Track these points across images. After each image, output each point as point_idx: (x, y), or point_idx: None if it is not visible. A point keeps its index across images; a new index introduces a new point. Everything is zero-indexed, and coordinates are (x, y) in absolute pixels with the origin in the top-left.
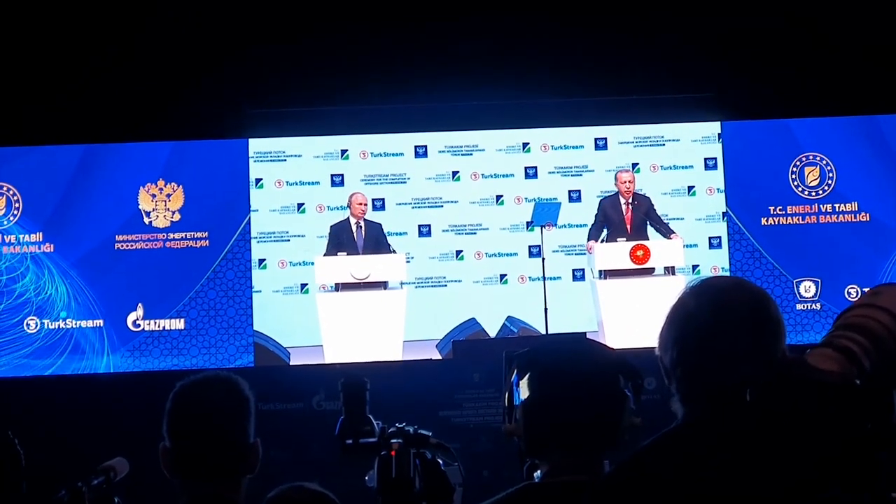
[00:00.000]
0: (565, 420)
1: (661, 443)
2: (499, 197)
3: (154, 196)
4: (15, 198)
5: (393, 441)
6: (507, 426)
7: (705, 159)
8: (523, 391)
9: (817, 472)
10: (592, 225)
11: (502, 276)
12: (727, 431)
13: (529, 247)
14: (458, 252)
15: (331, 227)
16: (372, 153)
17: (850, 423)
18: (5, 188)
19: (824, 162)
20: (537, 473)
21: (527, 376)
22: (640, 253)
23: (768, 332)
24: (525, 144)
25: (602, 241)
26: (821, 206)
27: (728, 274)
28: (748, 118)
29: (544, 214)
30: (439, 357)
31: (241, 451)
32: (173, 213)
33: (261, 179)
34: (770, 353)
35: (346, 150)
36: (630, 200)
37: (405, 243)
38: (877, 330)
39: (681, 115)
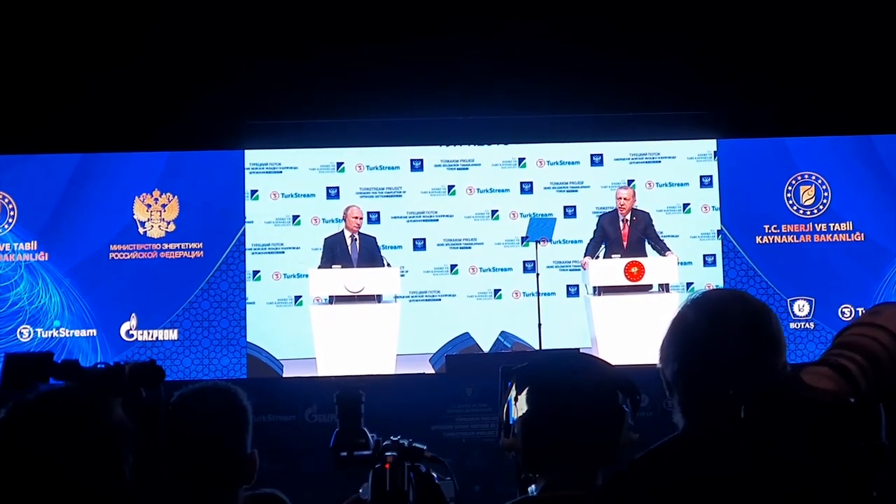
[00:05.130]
0: (564, 435)
1: (659, 453)
2: (494, 212)
3: (149, 206)
4: (10, 206)
5: (387, 454)
6: (505, 440)
7: (701, 177)
8: (521, 406)
9: (810, 488)
10: (590, 240)
11: (496, 290)
12: (723, 445)
13: (524, 262)
14: (453, 266)
15: (325, 239)
16: (368, 166)
17: (842, 442)
18: (0, 196)
19: (819, 181)
20: (532, 488)
21: (525, 391)
22: (634, 270)
23: (768, 346)
24: (521, 160)
25: (599, 257)
26: (815, 225)
27: None
28: (744, 136)
29: (539, 230)
30: (432, 371)
31: (238, 461)
32: (168, 223)
33: (256, 191)
34: (769, 366)
35: (342, 163)
36: (627, 217)
37: (400, 257)
38: (875, 349)
39: (677, 132)
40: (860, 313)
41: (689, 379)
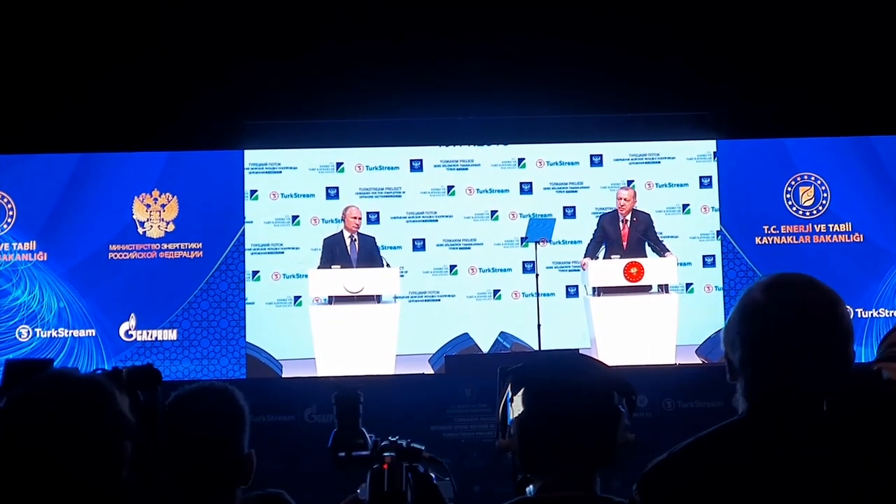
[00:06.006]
0: (560, 436)
1: (724, 432)
2: (493, 212)
3: (149, 206)
4: (9, 206)
5: (385, 454)
6: (502, 441)
7: (700, 177)
8: (517, 406)
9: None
10: (591, 241)
11: (496, 291)
12: (801, 432)
13: (523, 262)
14: (452, 267)
15: (324, 239)
16: (367, 166)
17: None
18: None
19: (819, 182)
20: (529, 488)
21: (521, 391)
22: (633, 270)
23: (841, 335)
24: (521, 160)
25: (599, 257)
26: (815, 226)
27: (722, 292)
28: (744, 137)
29: (539, 230)
30: (432, 371)
31: (235, 461)
32: (167, 223)
33: (256, 191)
34: (841, 355)
35: (342, 163)
36: (628, 217)
37: (399, 257)
38: None
39: (677, 132)
40: (859, 314)
41: (759, 365)
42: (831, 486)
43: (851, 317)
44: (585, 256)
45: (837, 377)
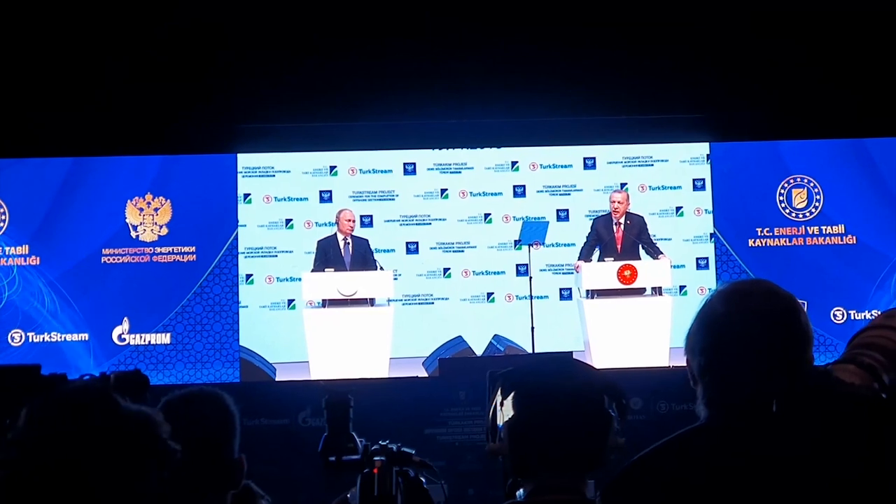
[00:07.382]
0: (549, 440)
1: (683, 440)
2: (487, 215)
3: (142, 210)
4: (1, 210)
5: (376, 458)
6: (492, 445)
7: (694, 180)
8: (507, 411)
9: (846, 481)
10: (585, 244)
11: (489, 294)
12: (755, 437)
13: (517, 265)
14: (446, 270)
15: (318, 242)
16: (360, 170)
17: (878, 435)
18: None
19: (812, 184)
20: (520, 492)
21: (511, 396)
22: (627, 273)
23: (798, 341)
24: (514, 163)
25: (593, 260)
26: (808, 228)
27: None
28: (737, 140)
29: (532, 233)
30: (425, 374)
31: (225, 466)
32: (161, 227)
33: (249, 194)
34: (799, 361)
35: (335, 167)
36: (621, 220)
37: (393, 260)
38: (893, 349)
39: (670, 135)
40: (852, 316)
41: (717, 372)
42: (787, 491)
43: (844, 320)
44: (579, 259)
45: (792, 379)
